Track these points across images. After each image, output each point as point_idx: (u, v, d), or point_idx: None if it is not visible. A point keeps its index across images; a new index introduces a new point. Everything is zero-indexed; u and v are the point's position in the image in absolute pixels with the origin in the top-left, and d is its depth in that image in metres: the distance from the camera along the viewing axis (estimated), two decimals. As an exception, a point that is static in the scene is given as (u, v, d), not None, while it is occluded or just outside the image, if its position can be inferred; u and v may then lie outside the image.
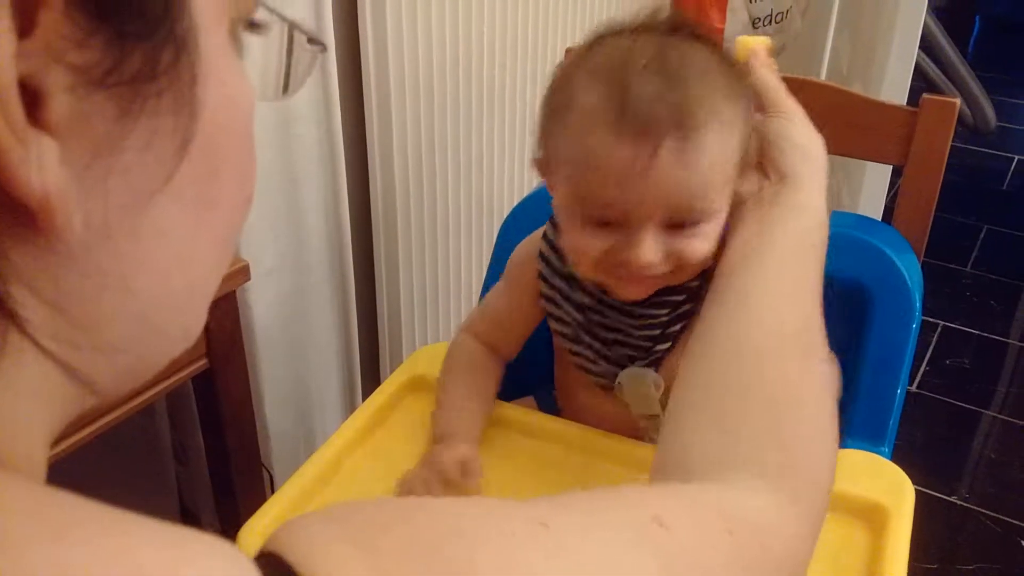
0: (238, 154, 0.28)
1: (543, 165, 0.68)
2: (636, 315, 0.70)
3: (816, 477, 0.47)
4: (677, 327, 0.70)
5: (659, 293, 0.68)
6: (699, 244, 0.62)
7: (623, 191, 0.60)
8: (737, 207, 0.63)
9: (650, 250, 0.61)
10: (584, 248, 0.64)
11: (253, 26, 0.30)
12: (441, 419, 0.75)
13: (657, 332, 0.70)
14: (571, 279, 0.72)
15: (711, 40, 0.65)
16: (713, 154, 0.60)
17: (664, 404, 0.71)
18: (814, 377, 0.51)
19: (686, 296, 0.69)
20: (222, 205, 0.28)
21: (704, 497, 0.43)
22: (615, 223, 0.62)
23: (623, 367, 0.72)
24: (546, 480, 0.71)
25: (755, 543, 0.41)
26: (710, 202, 0.61)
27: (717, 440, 0.48)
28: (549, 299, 0.74)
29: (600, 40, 0.64)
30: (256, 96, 0.29)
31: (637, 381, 0.72)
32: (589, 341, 0.73)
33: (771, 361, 0.51)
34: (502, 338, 0.80)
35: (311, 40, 0.35)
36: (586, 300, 0.72)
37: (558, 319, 0.74)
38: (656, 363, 0.71)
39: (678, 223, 0.62)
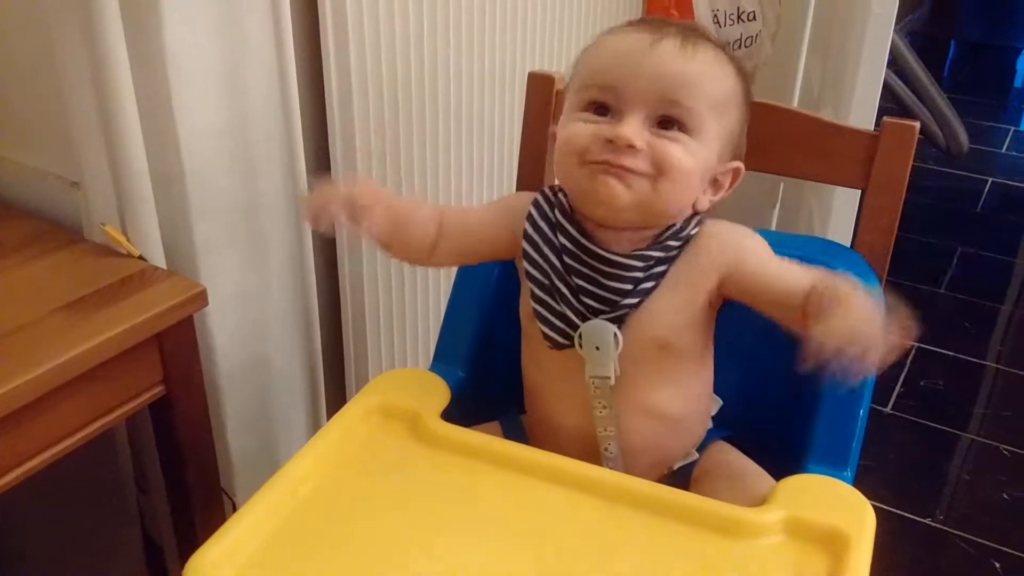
0: None
1: (556, 130, 0.75)
2: (613, 263, 0.73)
3: None
4: (648, 284, 0.73)
5: (638, 248, 0.73)
6: (679, 151, 0.69)
7: (624, 66, 0.70)
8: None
9: (634, 128, 0.68)
10: (575, 132, 0.71)
11: None
12: None
13: (629, 287, 0.73)
14: (555, 225, 0.76)
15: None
16: (707, 63, 0.70)
17: (618, 377, 0.74)
18: None
19: (663, 256, 0.73)
20: None
21: None
22: (609, 109, 0.71)
23: (586, 322, 0.74)
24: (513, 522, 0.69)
25: None
26: (697, 102, 0.69)
27: None
28: (530, 240, 0.77)
29: None
30: None
31: (597, 333, 0.73)
32: (559, 287, 0.75)
33: None
34: (456, 221, 0.80)
35: None
36: (567, 244, 0.75)
37: (533, 262, 0.77)
38: (620, 320, 0.73)
39: (664, 118, 0.69)
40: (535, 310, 0.77)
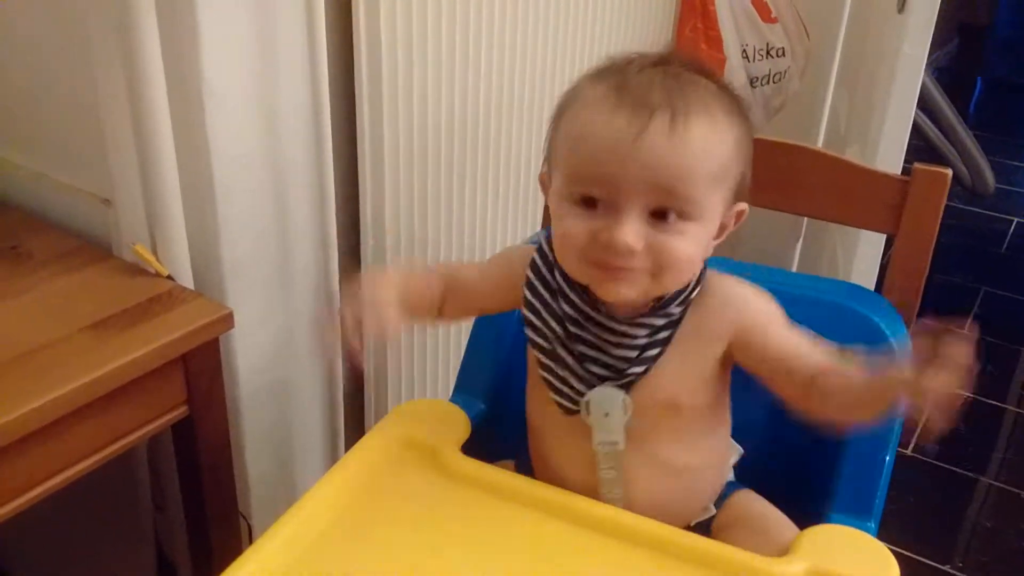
0: None
1: (545, 177, 0.72)
2: (616, 332, 0.70)
3: None
4: (654, 351, 0.71)
5: (642, 314, 0.70)
6: (681, 243, 0.65)
7: (613, 161, 0.63)
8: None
9: (631, 232, 0.63)
10: (571, 232, 0.66)
11: None
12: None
13: (633, 354, 0.71)
14: (556, 291, 0.73)
15: (713, 71, 0.70)
16: (700, 142, 0.63)
17: (628, 434, 0.72)
18: None
19: (666, 322, 0.71)
20: None
21: None
22: (603, 204, 0.65)
23: (592, 388, 0.72)
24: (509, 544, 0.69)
25: None
26: (694, 190, 0.64)
27: None
28: (531, 308, 0.74)
29: (606, 62, 0.70)
30: None
31: (605, 400, 0.71)
32: (563, 355, 0.72)
33: None
34: (459, 282, 0.79)
35: None
36: (569, 311, 0.72)
37: (536, 329, 0.74)
38: (627, 387, 0.71)
39: (662, 211, 0.64)
40: (543, 376, 0.75)
